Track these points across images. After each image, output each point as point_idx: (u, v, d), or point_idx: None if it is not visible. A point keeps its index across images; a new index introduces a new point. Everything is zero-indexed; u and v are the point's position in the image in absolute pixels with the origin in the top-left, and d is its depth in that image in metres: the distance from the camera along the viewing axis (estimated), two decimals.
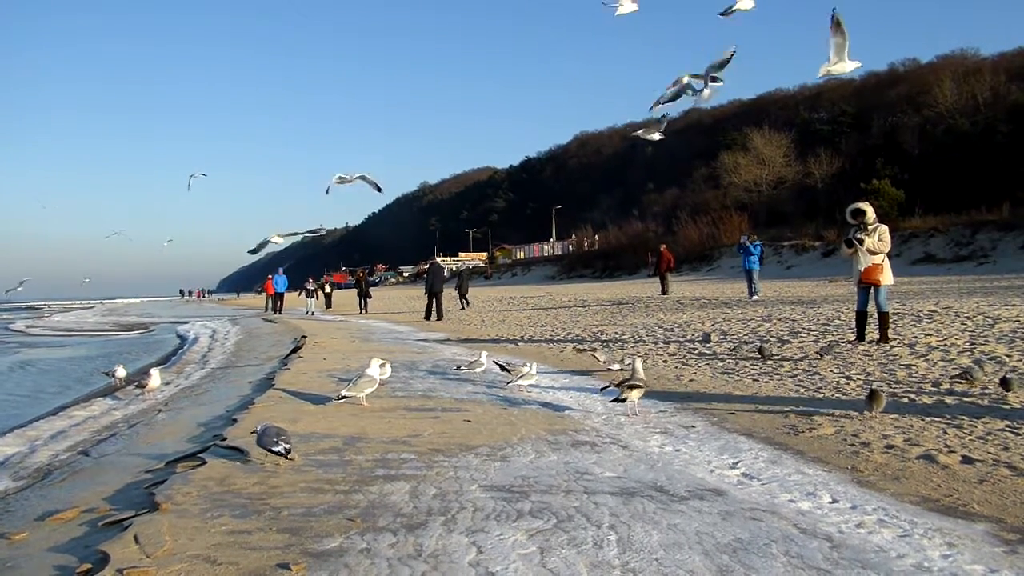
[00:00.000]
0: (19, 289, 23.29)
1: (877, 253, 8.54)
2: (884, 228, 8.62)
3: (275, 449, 4.21)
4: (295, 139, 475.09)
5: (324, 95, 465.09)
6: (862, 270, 8.63)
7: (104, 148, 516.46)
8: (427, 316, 19.19)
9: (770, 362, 8.04)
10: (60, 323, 35.41)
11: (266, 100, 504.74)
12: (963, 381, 6.06)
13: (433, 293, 19.20)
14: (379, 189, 9.05)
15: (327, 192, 8.91)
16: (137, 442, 5.85)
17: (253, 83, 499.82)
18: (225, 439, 4.99)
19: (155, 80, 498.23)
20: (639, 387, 5.57)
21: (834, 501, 3.53)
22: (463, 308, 22.87)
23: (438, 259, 23.59)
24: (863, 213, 8.66)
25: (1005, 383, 5.64)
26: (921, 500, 3.52)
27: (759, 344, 8.78)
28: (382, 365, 6.82)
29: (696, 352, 9.38)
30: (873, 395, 5.28)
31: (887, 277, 8.61)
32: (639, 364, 5.80)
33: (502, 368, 7.28)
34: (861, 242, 8.51)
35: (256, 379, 9.13)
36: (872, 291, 8.67)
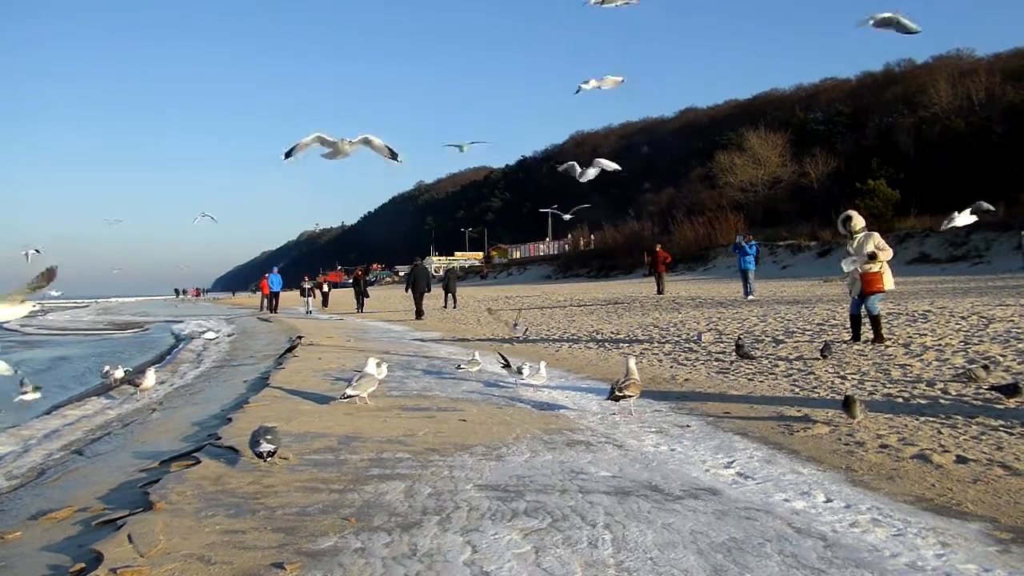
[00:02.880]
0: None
1: (876, 260, 8.53)
2: (875, 235, 8.66)
3: (256, 450, 4.07)
4: (293, 137, 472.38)
5: (321, 94, 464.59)
6: (859, 277, 8.64)
7: (102, 147, 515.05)
8: (418, 316, 19.47)
9: (766, 361, 8.06)
10: (54, 322, 35.17)
11: (264, 99, 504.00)
12: (968, 381, 6.04)
13: (419, 293, 19.53)
14: (395, 156, 6.18)
15: (286, 156, 5.86)
16: (131, 441, 5.82)
17: (250, 82, 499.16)
18: (220, 438, 4.98)
19: (153, 79, 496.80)
20: (634, 386, 5.57)
21: (828, 500, 3.54)
22: (454, 306, 23.26)
23: (423, 261, 23.68)
24: (851, 220, 8.81)
25: (1012, 390, 5.32)
26: (915, 499, 3.54)
27: (736, 342, 8.69)
28: (378, 364, 6.80)
29: (691, 351, 9.39)
30: (848, 404, 5.02)
31: (888, 282, 8.60)
32: (632, 363, 5.80)
33: (516, 369, 7.20)
34: (874, 256, 8.42)
35: (251, 378, 9.10)
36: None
